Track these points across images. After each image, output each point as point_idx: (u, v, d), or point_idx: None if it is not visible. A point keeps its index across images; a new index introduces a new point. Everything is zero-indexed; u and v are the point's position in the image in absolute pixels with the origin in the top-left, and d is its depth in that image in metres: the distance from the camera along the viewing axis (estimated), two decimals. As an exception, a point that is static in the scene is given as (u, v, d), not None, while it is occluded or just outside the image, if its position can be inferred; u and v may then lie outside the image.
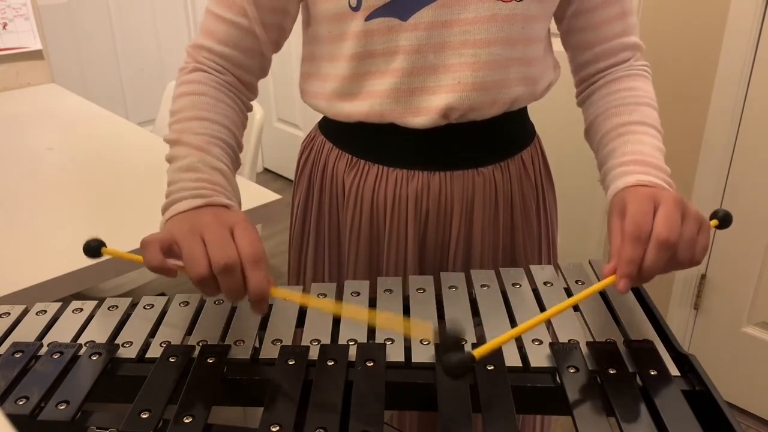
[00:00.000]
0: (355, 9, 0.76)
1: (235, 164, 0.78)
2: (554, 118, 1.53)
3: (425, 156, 0.85)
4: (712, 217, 0.70)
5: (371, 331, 0.67)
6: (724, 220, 0.70)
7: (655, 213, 0.63)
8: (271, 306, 0.72)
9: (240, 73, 0.82)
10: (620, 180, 0.72)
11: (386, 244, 0.89)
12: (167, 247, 0.62)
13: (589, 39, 0.85)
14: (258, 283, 0.59)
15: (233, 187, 0.73)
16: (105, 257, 0.70)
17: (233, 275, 0.58)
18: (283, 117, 3.08)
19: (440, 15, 0.76)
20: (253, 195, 1.29)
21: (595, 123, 0.84)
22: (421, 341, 0.64)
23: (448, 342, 0.55)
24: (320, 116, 0.95)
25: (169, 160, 0.73)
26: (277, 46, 0.85)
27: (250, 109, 0.86)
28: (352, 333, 0.66)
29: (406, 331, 0.63)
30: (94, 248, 0.68)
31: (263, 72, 0.86)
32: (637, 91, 0.82)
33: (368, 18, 0.77)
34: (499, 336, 0.57)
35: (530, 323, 0.58)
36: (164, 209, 0.69)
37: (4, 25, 1.92)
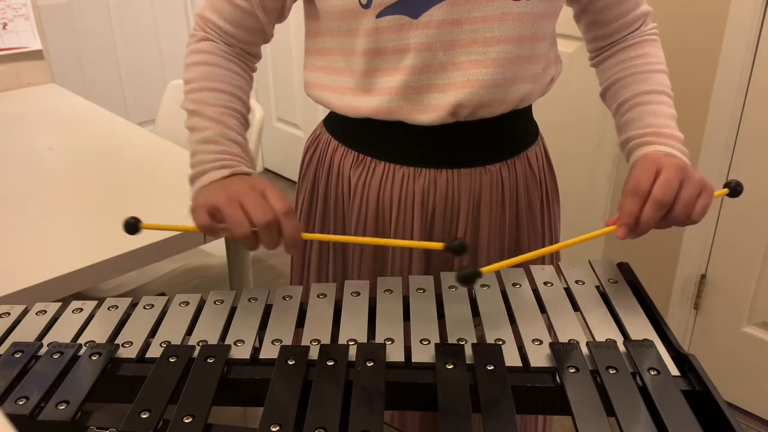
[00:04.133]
0: (366, 6, 0.77)
1: (246, 128, 0.86)
2: (555, 116, 1.54)
3: (432, 154, 0.85)
4: (725, 186, 0.77)
5: (371, 331, 0.67)
6: (734, 189, 0.77)
7: (658, 176, 0.71)
8: (271, 306, 0.72)
9: (244, 45, 0.88)
10: (639, 150, 0.80)
11: None
12: (211, 213, 0.71)
13: (607, 17, 0.88)
14: (291, 231, 0.69)
15: (249, 156, 0.81)
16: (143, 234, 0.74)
17: (273, 230, 0.68)
18: (283, 117, 3.08)
19: (451, 13, 0.76)
20: (253, 195, 1.28)
21: (611, 89, 0.89)
22: (420, 341, 0.64)
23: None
24: (321, 116, 0.95)
25: (190, 129, 0.81)
26: (279, 21, 0.89)
27: (255, 70, 0.91)
28: (352, 333, 0.66)
29: (419, 246, 0.79)
30: (132, 225, 0.72)
31: (266, 41, 0.90)
32: (649, 57, 0.87)
33: (379, 15, 0.77)
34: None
35: (535, 253, 0.68)
36: (192, 179, 0.78)
37: (4, 25, 1.91)
